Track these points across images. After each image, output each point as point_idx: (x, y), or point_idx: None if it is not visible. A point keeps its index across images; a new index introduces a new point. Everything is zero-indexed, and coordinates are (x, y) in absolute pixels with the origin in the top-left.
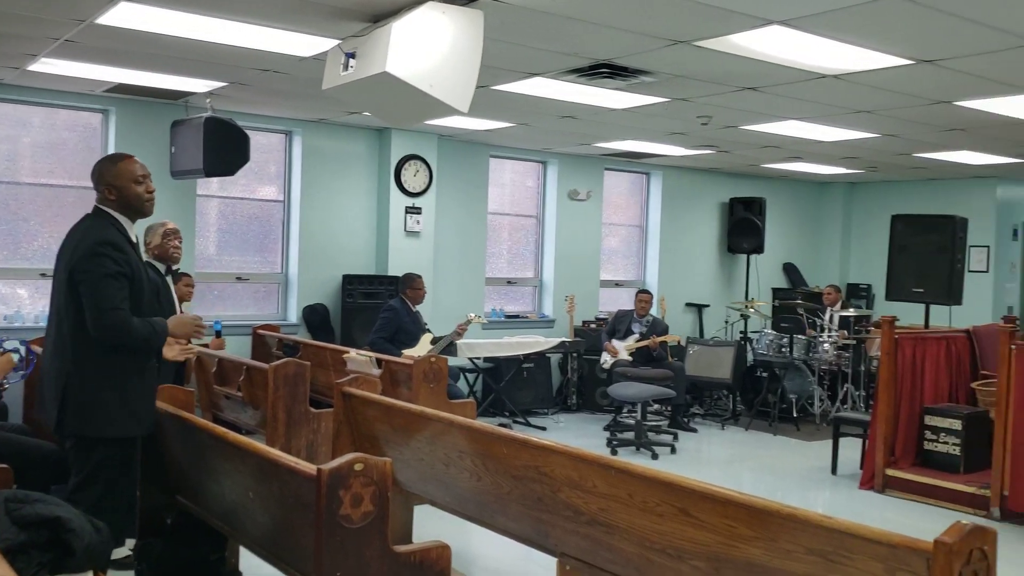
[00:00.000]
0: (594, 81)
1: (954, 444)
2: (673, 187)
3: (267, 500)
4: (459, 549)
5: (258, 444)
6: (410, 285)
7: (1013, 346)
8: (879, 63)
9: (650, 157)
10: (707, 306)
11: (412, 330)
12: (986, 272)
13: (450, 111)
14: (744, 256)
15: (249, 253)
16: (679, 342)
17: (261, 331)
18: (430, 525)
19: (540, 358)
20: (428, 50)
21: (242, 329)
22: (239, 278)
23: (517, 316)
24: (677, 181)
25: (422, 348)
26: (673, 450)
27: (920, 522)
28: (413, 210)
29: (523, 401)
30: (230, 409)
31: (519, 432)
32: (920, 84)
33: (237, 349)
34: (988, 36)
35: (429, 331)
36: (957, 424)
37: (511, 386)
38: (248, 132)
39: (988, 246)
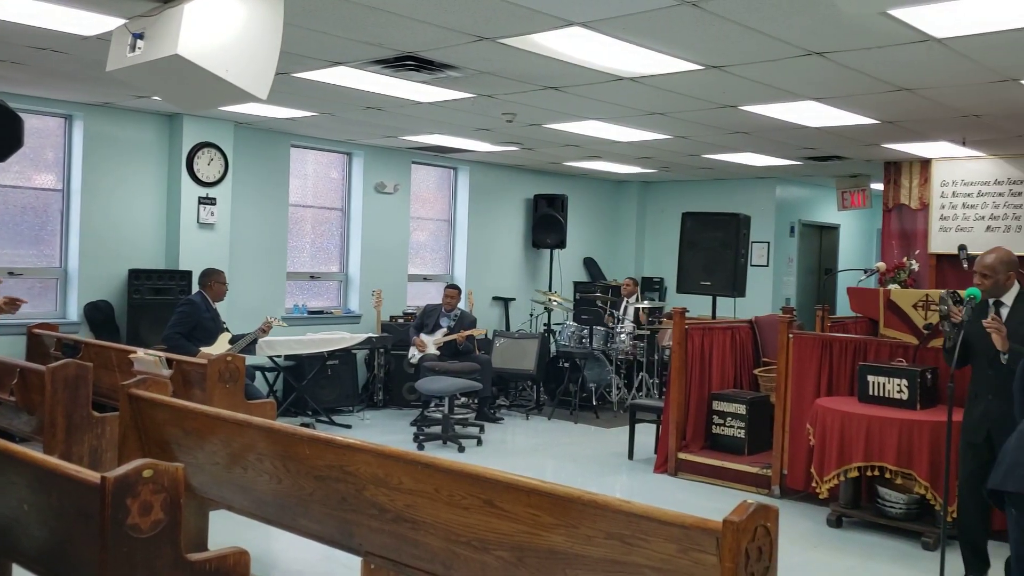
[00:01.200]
0: (400, 73)
1: (739, 427)
2: (480, 182)
3: (44, 512)
4: (259, 554)
5: (33, 452)
6: (212, 280)
7: (791, 335)
8: (672, 67)
9: (458, 152)
10: (513, 299)
11: (211, 327)
12: (767, 266)
13: (247, 97)
14: (548, 251)
15: (23, 246)
16: (486, 335)
17: (37, 330)
18: (228, 531)
19: (345, 354)
20: (223, 33)
21: (15, 328)
22: (11, 273)
23: (321, 312)
24: (484, 176)
25: (220, 347)
26: (480, 442)
27: (710, 502)
28: (207, 201)
29: (327, 399)
30: (2, 416)
31: (322, 431)
32: (708, 89)
33: (10, 351)
34: (769, 45)
35: (227, 330)
36: (742, 408)
37: (314, 384)
38: (22, 115)
39: (768, 242)
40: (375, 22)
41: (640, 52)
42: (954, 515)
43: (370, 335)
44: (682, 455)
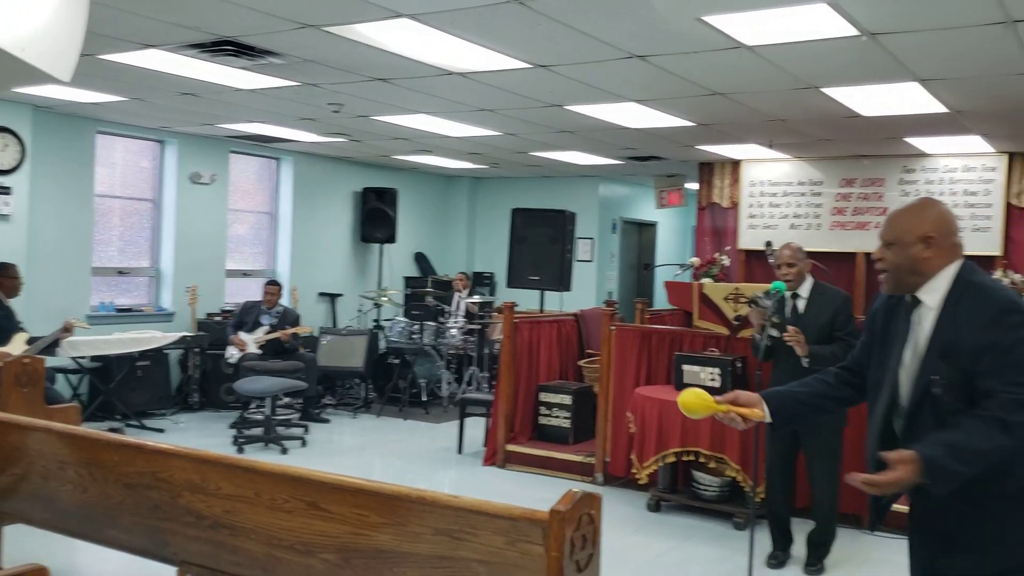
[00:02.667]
0: (217, 58)
1: (565, 418)
2: (305, 174)
3: None
4: (61, 569)
5: None
6: (3, 275)
7: (613, 327)
8: (500, 65)
9: (280, 142)
10: (340, 295)
11: (4, 326)
12: (591, 261)
13: (48, 79)
14: (377, 245)
15: None
16: (311, 332)
17: None
18: (26, 546)
19: (157, 355)
20: (20, 9)
21: None
22: None
23: (130, 309)
24: (309, 168)
25: (16, 347)
26: (304, 443)
27: (537, 492)
28: (1, 190)
29: (138, 402)
30: None
31: (132, 436)
32: (536, 87)
33: None
34: (593, 47)
35: (23, 329)
36: (567, 399)
37: (123, 387)
38: None
39: (592, 238)
40: (191, 4)
41: (469, 47)
42: (762, 496)
43: (184, 334)
44: (510, 447)
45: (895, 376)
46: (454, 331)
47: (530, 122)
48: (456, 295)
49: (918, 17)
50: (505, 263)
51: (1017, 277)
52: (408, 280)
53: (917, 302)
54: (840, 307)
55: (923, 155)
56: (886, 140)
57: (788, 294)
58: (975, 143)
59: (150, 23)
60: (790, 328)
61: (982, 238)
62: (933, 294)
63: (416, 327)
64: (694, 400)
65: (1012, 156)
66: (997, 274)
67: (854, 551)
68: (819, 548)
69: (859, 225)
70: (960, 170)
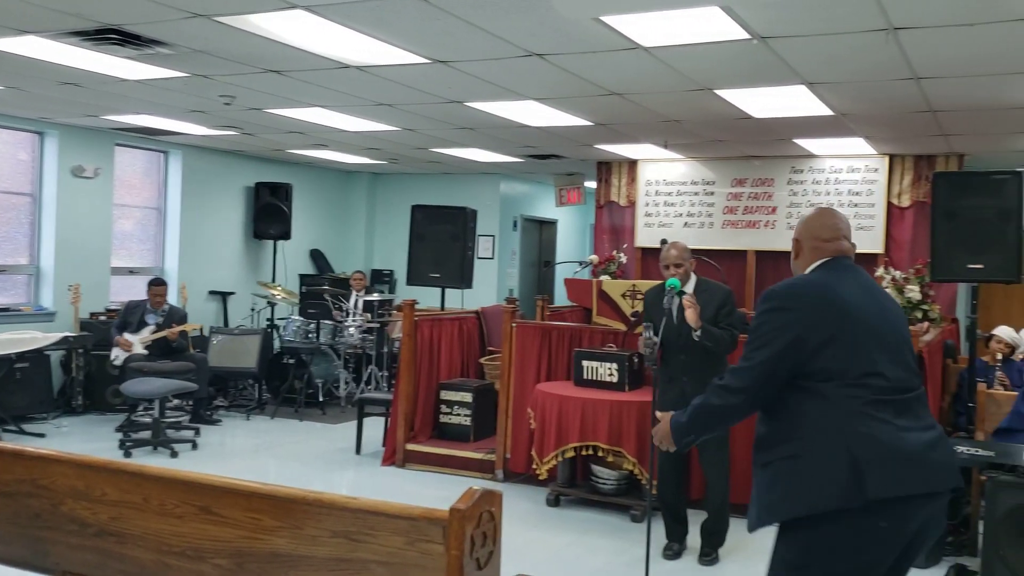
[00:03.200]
0: (101, 47)
1: (465, 415)
2: (195, 168)
3: None
4: None
5: None
6: None
7: (514, 324)
8: (399, 59)
9: (169, 135)
10: (232, 294)
11: None
12: (492, 259)
13: None
14: (271, 242)
15: None
16: (201, 331)
17: None
18: None
19: (37, 356)
20: None
21: None
22: None
23: (7, 309)
24: (199, 162)
25: None
26: (195, 446)
27: (438, 491)
28: None
29: (16, 406)
30: None
31: (10, 442)
32: (436, 83)
33: None
34: (493, 43)
35: None
36: (468, 397)
37: (0, 390)
38: None
39: (493, 235)
40: None
41: (366, 41)
42: (657, 489)
43: (67, 334)
44: (410, 446)
45: None
46: (352, 330)
47: (430, 118)
48: (354, 293)
49: (805, 22)
50: (405, 260)
51: (898, 274)
52: (303, 277)
53: None
54: (724, 300)
55: (810, 156)
56: (775, 141)
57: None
58: (858, 145)
59: (27, 7)
60: (687, 294)
61: (866, 237)
62: None
63: (312, 326)
64: None
65: (892, 158)
66: (879, 272)
67: (747, 539)
68: (713, 537)
69: (750, 224)
70: (845, 171)
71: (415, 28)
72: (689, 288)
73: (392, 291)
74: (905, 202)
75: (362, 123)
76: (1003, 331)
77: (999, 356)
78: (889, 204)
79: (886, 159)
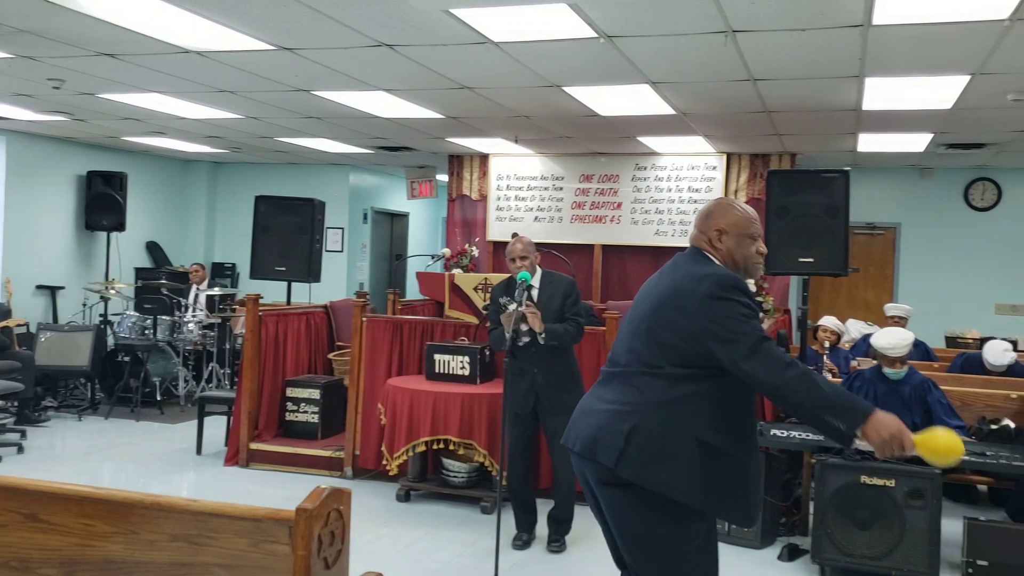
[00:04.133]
0: None
1: (313, 412)
2: (20, 156)
3: None
4: None
5: None
6: None
7: (364, 318)
8: (242, 45)
9: None
10: (62, 288)
11: None
12: (341, 252)
13: None
14: (104, 234)
15: None
16: (27, 328)
17: None
18: None
19: None
20: None
21: None
22: None
23: None
24: (25, 149)
25: None
26: (21, 449)
27: (284, 491)
28: None
29: None
30: None
31: None
32: (281, 70)
33: None
34: (341, 32)
35: None
36: (315, 393)
37: None
38: None
39: (343, 228)
40: None
41: (207, 25)
42: (507, 480)
43: None
44: (254, 445)
45: None
46: (192, 326)
47: (275, 106)
48: (194, 287)
49: (649, 23)
50: (248, 253)
51: None
52: (139, 271)
53: None
54: (568, 290)
55: (654, 154)
56: (621, 139)
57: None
58: (698, 144)
59: None
60: (529, 304)
61: None
62: None
63: (149, 322)
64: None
65: (730, 156)
66: None
67: (593, 526)
68: (561, 525)
69: (596, 219)
70: (685, 168)
71: (260, 14)
72: (535, 280)
73: (235, 285)
74: (742, 199)
75: (203, 110)
76: (830, 321)
77: (827, 344)
78: None
79: (724, 157)
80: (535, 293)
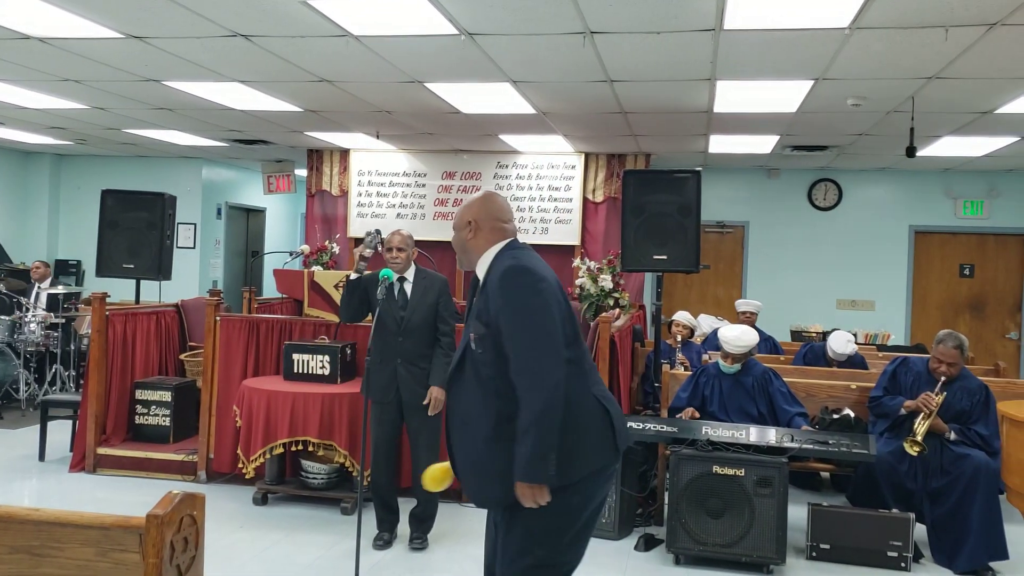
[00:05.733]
0: None
1: (164, 415)
2: None
3: None
4: None
5: None
6: None
7: (218, 317)
8: (87, 32)
9: None
10: None
11: None
12: (193, 248)
13: None
14: None
15: None
16: None
17: None
18: None
19: None
20: None
21: None
22: None
23: None
24: None
25: None
26: None
27: (134, 497)
28: None
29: None
30: None
31: None
32: (130, 60)
33: None
34: (194, 21)
35: None
36: (167, 396)
37: None
38: None
39: (195, 223)
40: None
41: (49, 10)
42: (370, 479)
43: None
44: (102, 450)
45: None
46: (33, 326)
47: (123, 96)
48: (36, 285)
49: (510, 22)
50: (95, 249)
51: (592, 264)
52: None
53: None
54: (442, 288)
55: (515, 152)
56: (483, 137)
57: (396, 278)
58: (558, 143)
59: None
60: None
61: (564, 230)
62: (481, 268)
63: None
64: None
65: (588, 156)
66: (576, 262)
67: (455, 524)
68: (423, 524)
69: None
70: (545, 167)
71: (107, 1)
72: (410, 276)
73: (80, 283)
74: (599, 197)
75: (45, 99)
76: (683, 316)
77: (679, 339)
78: (585, 199)
79: (582, 156)
80: (408, 288)
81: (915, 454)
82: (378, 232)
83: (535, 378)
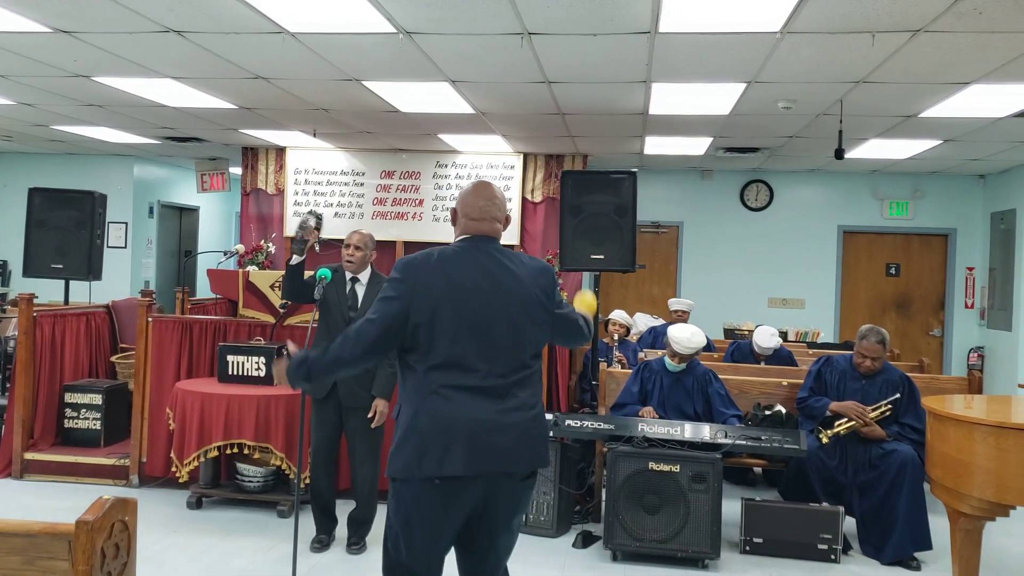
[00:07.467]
0: None
1: (95, 419)
2: None
3: None
4: None
5: None
6: None
7: (150, 318)
8: (12, 26)
9: None
10: None
11: None
12: (124, 248)
13: None
14: None
15: None
16: None
17: None
18: None
19: None
20: None
21: None
22: None
23: None
24: None
25: None
26: None
27: (63, 503)
28: None
29: None
30: None
31: None
32: (58, 55)
33: None
34: (124, 16)
35: None
36: (97, 399)
37: None
38: None
39: (126, 222)
40: None
41: None
42: (307, 481)
43: None
44: (29, 455)
45: None
46: None
47: (50, 92)
48: None
49: (448, 21)
50: (21, 249)
51: None
52: None
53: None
54: None
55: (454, 151)
56: (422, 136)
57: (348, 277)
58: (497, 143)
59: None
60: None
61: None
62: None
63: None
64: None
65: (526, 156)
66: None
67: None
68: (361, 526)
69: (399, 215)
70: (484, 167)
71: None
72: (364, 278)
73: (6, 284)
74: (538, 197)
75: None
76: (619, 315)
77: (616, 337)
78: (524, 199)
79: (521, 157)
80: (360, 290)
81: (824, 442)
82: (312, 214)
83: (345, 339)
